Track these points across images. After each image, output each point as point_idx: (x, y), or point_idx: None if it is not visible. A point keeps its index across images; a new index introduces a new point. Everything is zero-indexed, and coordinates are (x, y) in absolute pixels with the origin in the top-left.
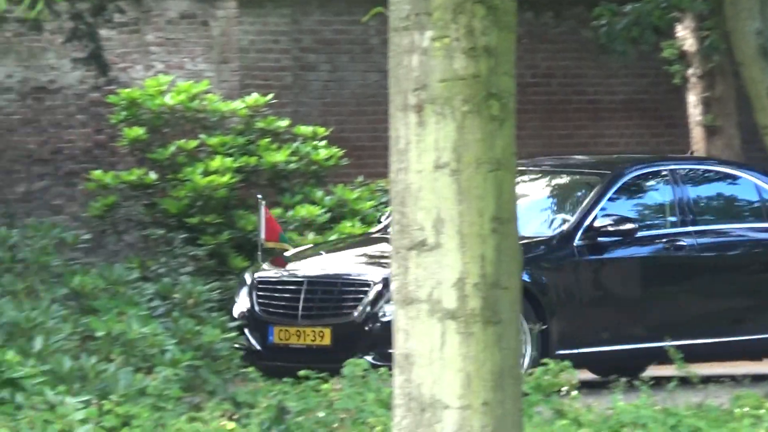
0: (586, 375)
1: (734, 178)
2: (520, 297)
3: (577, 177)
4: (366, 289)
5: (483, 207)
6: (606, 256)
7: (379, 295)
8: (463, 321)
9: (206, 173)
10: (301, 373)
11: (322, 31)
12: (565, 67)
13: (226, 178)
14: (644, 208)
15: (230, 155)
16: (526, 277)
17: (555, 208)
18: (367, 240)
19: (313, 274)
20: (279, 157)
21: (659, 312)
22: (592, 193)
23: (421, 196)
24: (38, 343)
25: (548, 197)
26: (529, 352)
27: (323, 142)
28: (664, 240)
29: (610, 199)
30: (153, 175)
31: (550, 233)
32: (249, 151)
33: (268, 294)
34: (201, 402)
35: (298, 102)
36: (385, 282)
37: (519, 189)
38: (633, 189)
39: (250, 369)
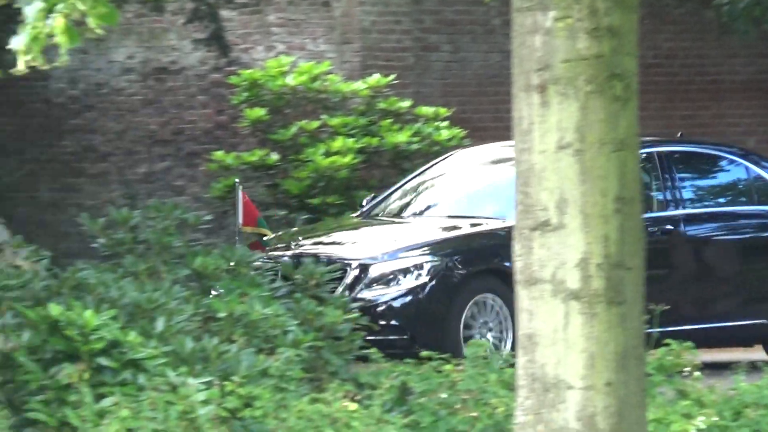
0: (709, 356)
1: (724, 160)
2: (643, 277)
3: None
4: (343, 273)
5: (606, 187)
6: None
7: (357, 280)
8: (586, 301)
9: (328, 154)
10: (423, 353)
11: (444, 12)
12: (686, 48)
13: (347, 159)
14: None
15: (352, 136)
16: (507, 264)
17: None
18: (347, 224)
19: (290, 259)
20: (401, 137)
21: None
22: None
23: (545, 177)
24: (160, 324)
25: None
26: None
27: (445, 123)
28: (650, 223)
29: None
30: (274, 156)
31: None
32: (371, 132)
33: None
34: (323, 383)
35: (419, 83)
36: (362, 267)
37: (497, 172)
38: None
39: (373, 349)
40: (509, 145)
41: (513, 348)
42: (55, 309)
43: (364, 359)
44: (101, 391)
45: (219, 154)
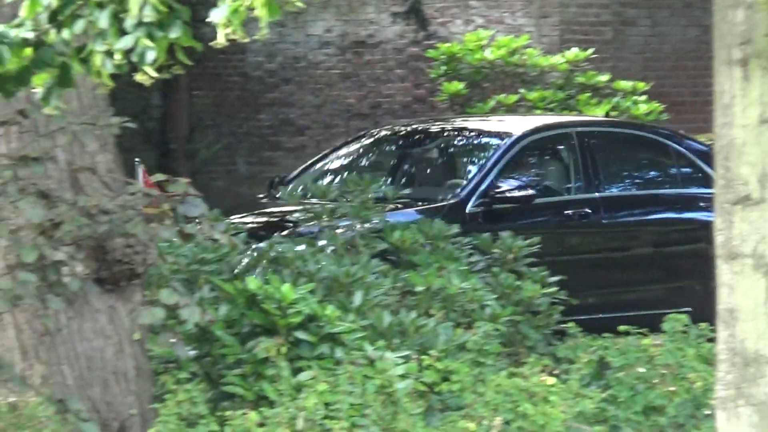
0: None
1: (649, 143)
2: None
3: (478, 139)
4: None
5: None
6: (501, 224)
7: (254, 268)
8: None
9: None
10: (621, 328)
11: None
12: None
13: None
14: (546, 174)
15: (550, 110)
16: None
17: (451, 172)
18: (254, 205)
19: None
20: (599, 111)
21: (557, 285)
22: (489, 157)
23: (746, 151)
24: (358, 298)
25: (446, 160)
26: None
27: (643, 97)
28: (566, 208)
29: (509, 164)
30: None
31: (443, 198)
32: (569, 106)
33: None
34: (521, 357)
35: (617, 57)
36: (257, 250)
37: (418, 150)
38: (535, 153)
39: (570, 324)
40: (420, 124)
41: None
42: (252, 283)
43: (562, 333)
44: (298, 365)
45: None
